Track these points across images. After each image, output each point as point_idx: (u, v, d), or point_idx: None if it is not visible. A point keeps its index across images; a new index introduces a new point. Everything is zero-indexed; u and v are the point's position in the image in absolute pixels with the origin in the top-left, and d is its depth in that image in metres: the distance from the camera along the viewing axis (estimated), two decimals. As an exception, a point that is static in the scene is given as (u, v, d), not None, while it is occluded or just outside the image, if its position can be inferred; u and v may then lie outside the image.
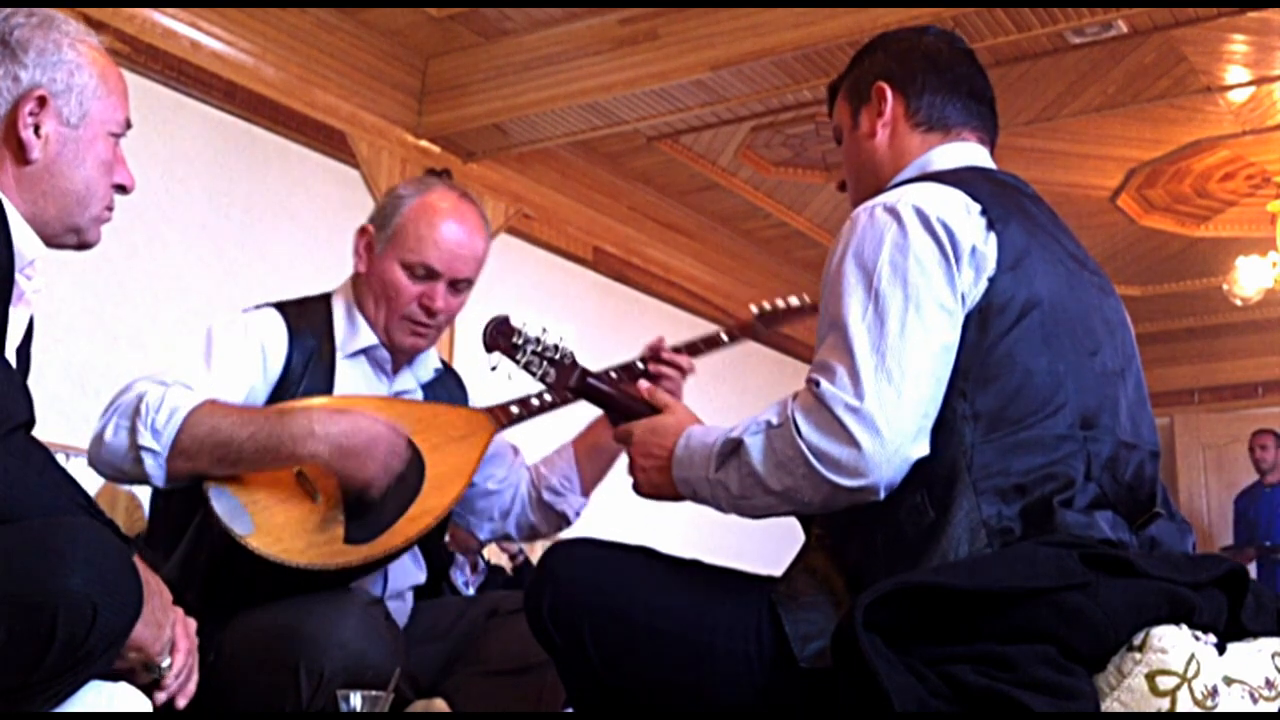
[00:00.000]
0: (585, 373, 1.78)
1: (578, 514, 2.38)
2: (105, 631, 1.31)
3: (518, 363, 1.81)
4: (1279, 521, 7.54)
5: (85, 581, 1.29)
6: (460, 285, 2.20)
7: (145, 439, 1.90)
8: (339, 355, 2.17)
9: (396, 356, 2.23)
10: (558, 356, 1.80)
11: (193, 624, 1.55)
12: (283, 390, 2.09)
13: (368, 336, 2.19)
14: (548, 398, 2.17)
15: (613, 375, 2.11)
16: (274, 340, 2.12)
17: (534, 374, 1.81)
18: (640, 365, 2.21)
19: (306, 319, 2.17)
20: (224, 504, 1.90)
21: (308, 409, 1.97)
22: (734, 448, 1.52)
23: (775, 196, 6.82)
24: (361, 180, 5.29)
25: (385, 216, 2.21)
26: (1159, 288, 8.20)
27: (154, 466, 1.90)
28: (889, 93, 1.73)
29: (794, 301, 2.31)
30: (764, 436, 1.49)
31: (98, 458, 1.95)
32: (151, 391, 1.93)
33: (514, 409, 2.19)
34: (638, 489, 1.69)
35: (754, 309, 2.33)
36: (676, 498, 1.63)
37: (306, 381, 2.11)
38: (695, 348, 2.25)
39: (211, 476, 1.92)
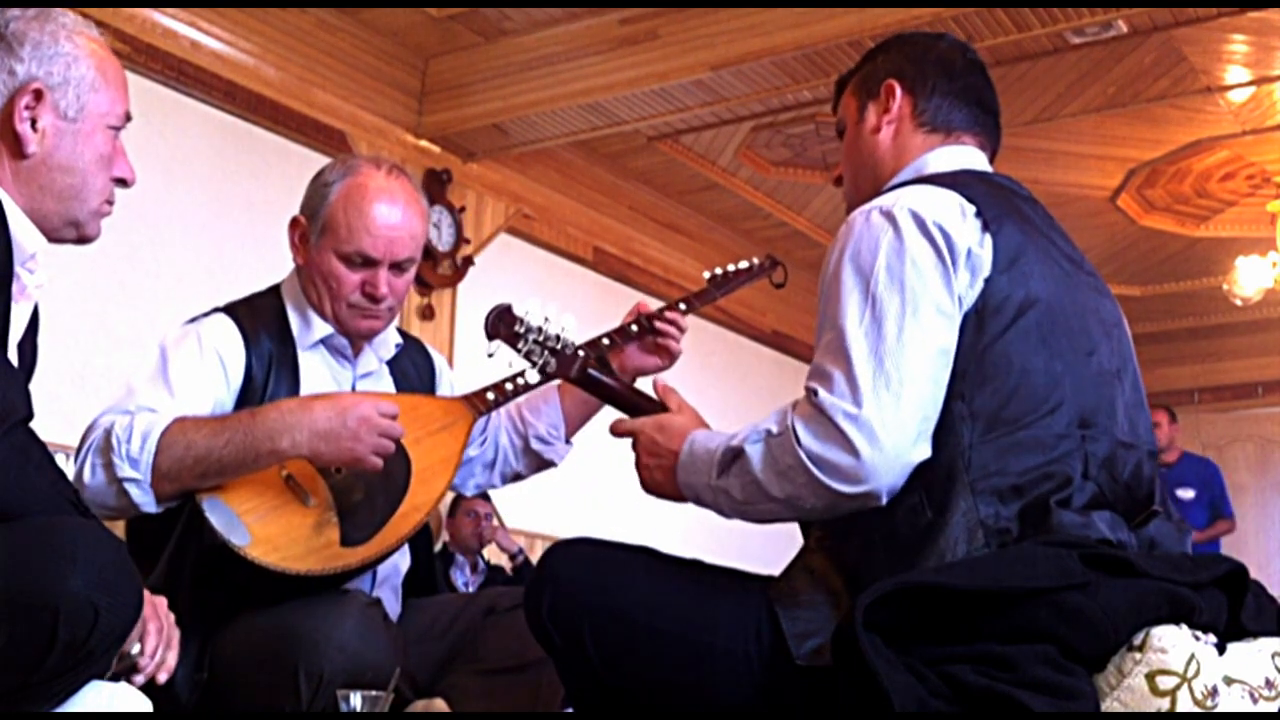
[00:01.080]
0: (586, 363, 1.78)
1: (562, 458, 2.35)
2: (106, 632, 1.31)
3: (519, 351, 1.81)
4: (1172, 503, 7.31)
5: (86, 583, 1.29)
6: (403, 265, 2.14)
7: (124, 470, 1.86)
8: (299, 350, 2.13)
9: (355, 341, 2.19)
10: (559, 346, 1.80)
11: (162, 601, 1.54)
12: (248, 397, 2.05)
13: (322, 327, 2.14)
14: (521, 381, 2.15)
15: (606, 342, 2.13)
16: (230, 347, 2.07)
17: (534, 363, 1.80)
18: (634, 329, 2.19)
19: (259, 319, 2.13)
20: (219, 516, 1.88)
21: (278, 404, 1.94)
22: (735, 455, 1.53)
23: (775, 196, 6.83)
24: (361, 180, 5.29)
25: (314, 206, 2.14)
26: (1159, 288, 8.20)
27: (140, 495, 1.88)
28: (899, 91, 1.73)
29: (743, 265, 2.32)
30: (764, 445, 1.49)
31: None
32: (118, 423, 1.90)
33: (490, 395, 2.15)
34: (643, 486, 1.69)
35: (707, 275, 2.32)
36: (680, 498, 1.63)
37: (271, 384, 2.07)
38: (664, 314, 2.23)
39: (200, 490, 1.90)
